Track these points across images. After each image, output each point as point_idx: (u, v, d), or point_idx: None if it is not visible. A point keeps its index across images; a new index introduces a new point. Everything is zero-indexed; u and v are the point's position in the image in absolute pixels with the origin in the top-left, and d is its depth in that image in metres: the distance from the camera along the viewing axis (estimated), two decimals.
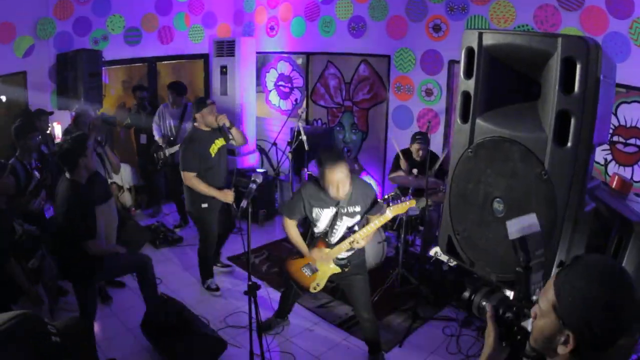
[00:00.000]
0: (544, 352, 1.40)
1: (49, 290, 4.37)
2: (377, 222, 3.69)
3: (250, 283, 3.32)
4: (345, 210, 3.69)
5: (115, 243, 4.26)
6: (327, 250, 3.79)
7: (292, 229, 3.86)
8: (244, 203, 3.31)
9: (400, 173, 5.38)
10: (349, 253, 3.84)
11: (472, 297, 1.60)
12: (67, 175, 3.79)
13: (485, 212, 2.17)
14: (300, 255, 3.95)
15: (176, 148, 6.09)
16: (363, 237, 3.72)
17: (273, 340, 4.25)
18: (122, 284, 5.07)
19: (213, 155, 4.92)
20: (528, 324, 1.44)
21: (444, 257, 3.95)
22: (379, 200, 3.83)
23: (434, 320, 4.60)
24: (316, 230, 3.85)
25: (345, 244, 3.74)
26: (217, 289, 5.11)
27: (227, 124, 4.88)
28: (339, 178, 3.46)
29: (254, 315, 3.35)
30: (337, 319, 4.61)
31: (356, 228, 3.78)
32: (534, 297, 1.48)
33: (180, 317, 3.98)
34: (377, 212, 3.74)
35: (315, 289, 3.95)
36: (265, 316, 4.39)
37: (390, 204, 3.66)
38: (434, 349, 4.20)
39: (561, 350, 1.33)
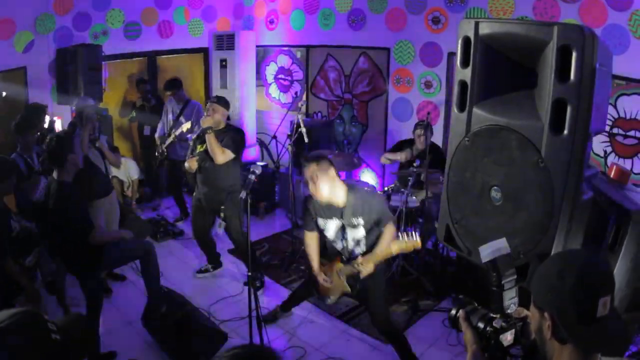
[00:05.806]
0: (545, 346, 1.46)
1: (55, 286, 4.38)
2: (379, 252, 3.49)
3: (249, 274, 3.34)
4: (347, 221, 3.55)
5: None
6: (341, 265, 3.73)
7: (309, 241, 3.86)
8: (242, 194, 3.31)
9: (397, 157, 5.44)
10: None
11: (457, 314, 1.75)
12: (55, 175, 3.68)
13: (483, 201, 2.17)
14: (325, 263, 3.88)
15: (170, 140, 6.08)
16: (362, 263, 3.49)
17: (273, 332, 4.26)
18: (122, 277, 5.08)
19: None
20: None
21: None
22: (388, 213, 3.60)
23: (434, 312, 4.60)
24: (328, 236, 3.77)
25: (352, 266, 3.59)
26: (201, 270, 5.36)
27: (210, 127, 4.57)
28: (309, 174, 3.46)
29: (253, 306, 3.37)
30: (337, 311, 4.62)
31: (362, 244, 3.61)
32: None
33: (180, 309, 3.99)
34: (384, 224, 3.54)
35: (330, 300, 3.94)
36: (265, 308, 4.42)
37: (399, 236, 3.45)
38: (434, 340, 4.21)
39: (547, 334, 1.39)
